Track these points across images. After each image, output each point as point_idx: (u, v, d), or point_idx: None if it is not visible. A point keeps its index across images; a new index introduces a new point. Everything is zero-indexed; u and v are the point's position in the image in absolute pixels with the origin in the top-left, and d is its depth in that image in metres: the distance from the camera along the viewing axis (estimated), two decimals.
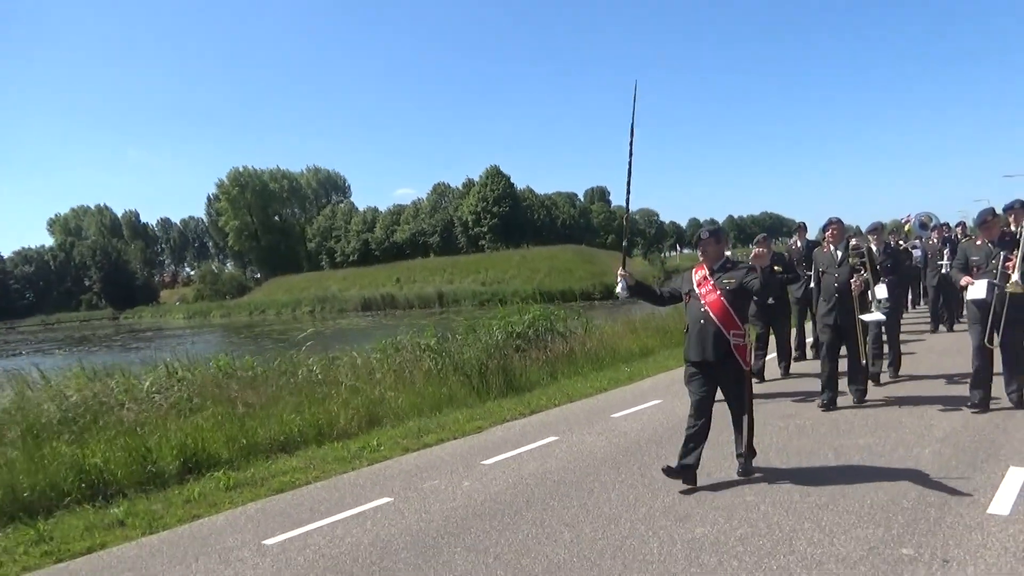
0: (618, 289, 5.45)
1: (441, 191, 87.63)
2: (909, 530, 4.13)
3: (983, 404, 6.71)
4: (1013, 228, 6.76)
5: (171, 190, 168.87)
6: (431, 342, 10.62)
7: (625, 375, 10.62)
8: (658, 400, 8.37)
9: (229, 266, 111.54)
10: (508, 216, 77.78)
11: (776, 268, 9.06)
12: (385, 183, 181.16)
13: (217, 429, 7.26)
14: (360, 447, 7.31)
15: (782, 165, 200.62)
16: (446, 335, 11.51)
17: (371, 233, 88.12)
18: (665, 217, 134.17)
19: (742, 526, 4.41)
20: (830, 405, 7.33)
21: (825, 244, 7.78)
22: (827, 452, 5.87)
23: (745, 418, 5.35)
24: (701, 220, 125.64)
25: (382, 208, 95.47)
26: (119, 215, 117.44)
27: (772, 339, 9.79)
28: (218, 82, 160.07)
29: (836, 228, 7.64)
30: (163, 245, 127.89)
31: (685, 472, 5.18)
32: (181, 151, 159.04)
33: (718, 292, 5.22)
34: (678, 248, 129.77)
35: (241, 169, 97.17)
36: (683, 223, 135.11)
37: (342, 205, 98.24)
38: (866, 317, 7.45)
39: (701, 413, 5.25)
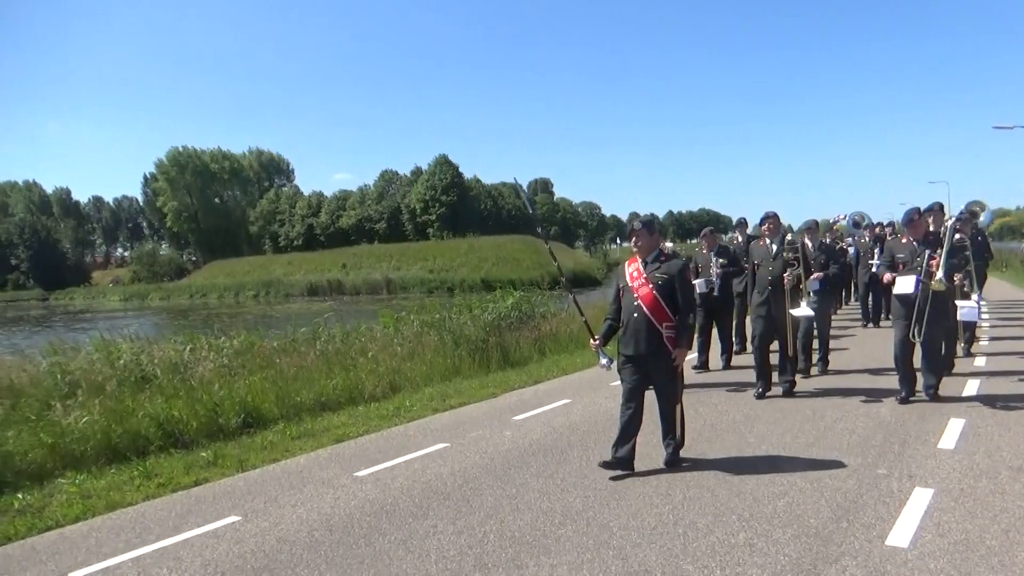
0: (603, 362, 5.63)
1: (389, 178, 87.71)
2: (881, 459, 5.39)
3: (910, 394, 7.17)
4: (932, 228, 7.37)
5: (101, 168, 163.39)
6: (433, 319, 11.59)
7: (612, 352, 11.75)
8: None
9: (165, 248, 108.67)
10: (456, 205, 78.56)
11: (721, 261, 9.66)
12: (323, 168, 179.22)
13: (269, 390, 8.09)
14: (395, 407, 8.26)
15: (720, 164, 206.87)
16: (442, 314, 12.46)
17: (316, 218, 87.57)
18: (607, 211, 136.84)
19: (751, 459, 5.59)
20: (764, 395, 7.66)
21: (762, 238, 8.01)
22: (805, 410, 7.12)
23: (678, 408, 5.44)
24: (641, 214, 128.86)
25: (327, 193, 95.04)
26: (49, 192, 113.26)
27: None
28: (149, 58, 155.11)
29: (772, 222, 7.84)
30: (95, 225, 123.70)
31: (621, 463, 5.32)
32: (111, 128, 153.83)
33: (650, 285, 5.24)
34: (618, 241, 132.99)
35: (181, 149, 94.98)
36: (624, 217, 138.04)
37: (286, 189, 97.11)
38: (796, 312, 7.68)
39: (632, 402, 5.35)
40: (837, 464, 5.32)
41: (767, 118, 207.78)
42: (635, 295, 5.30)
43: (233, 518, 4.94)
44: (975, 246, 8.89)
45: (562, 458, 5.92)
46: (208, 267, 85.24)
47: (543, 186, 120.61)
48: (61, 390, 7.25)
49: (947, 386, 7.59)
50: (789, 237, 7.98)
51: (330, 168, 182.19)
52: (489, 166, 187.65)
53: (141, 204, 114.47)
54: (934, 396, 7.11)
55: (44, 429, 6.38)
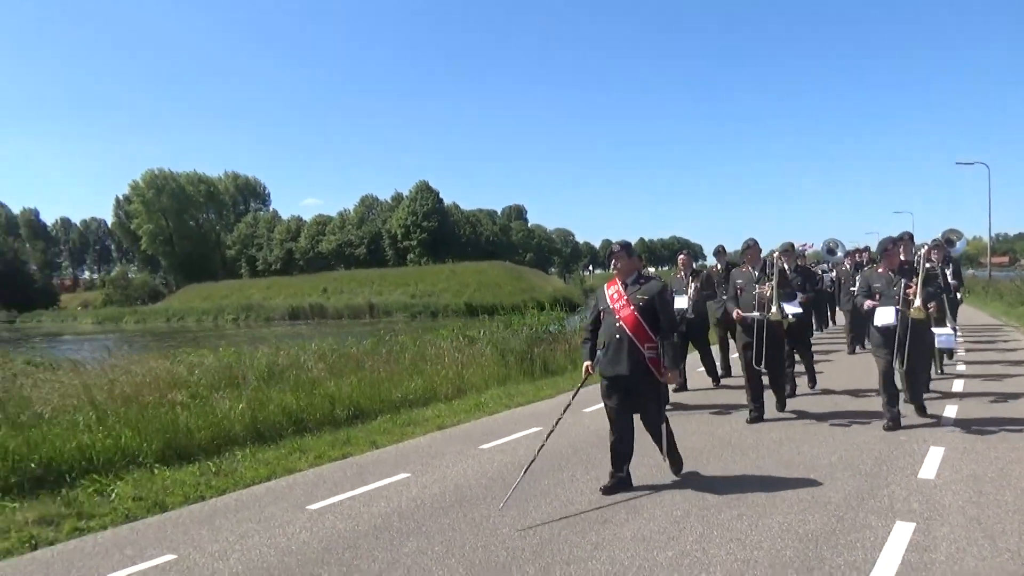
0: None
1: (369, 203, 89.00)
2: (899, 430, 6.93)
3: (896, 422, 7.13)
4: (903, 258, 7.70)
5: (65, 189, 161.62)
6: (479, 334, 13.03)
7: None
8: None
9: (134, 271, 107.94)
10: (436, 231, 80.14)
11: (696, 284, 9.79)
12: (291, 193, 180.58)
13: (367, 389, 9.40)
14: (473, 404, 9.61)
15: (691, 193, 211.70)
16: (481, 330, 13.92)
17: (295, 242, 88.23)
18: (580, 237, 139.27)
19: (801, 433, 7.11)
20: (758, 419, 7.76)
21: (744, 264, 8.32)
22: (823, 408, 8.56)
23: (663, 427, 5.57)
24: (614, 241, 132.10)
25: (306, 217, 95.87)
26: (16, 212, 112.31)
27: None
28: (118, 77, 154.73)
29: (754, 250, 8.16)
30: (62, 247, 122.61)
31: (621, 485, 5.53)
32: (74, 148, 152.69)
33: (632, 307, 5.34)
34: (591, 268, 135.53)
35: (156, 171, 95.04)
36: (597, 244, 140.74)
37: (264, 213, 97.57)
38: (747, 314, 7.89)
39: (621, 427, 5.51)
40: (867, 433, 6.88)
41: (736, 150, 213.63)
42: (617, 317, 5.39)
43: (404, 475, 6.27)
44: (946, 274, 9.67)
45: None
46: (184, 291, 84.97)
47: (517, 212, 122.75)
48: (216, 384, 8.50)
49: (935, 393, 8.95)
50: (776, 254, 8.39)
51: (299, 194, 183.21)
52: (464, 192, 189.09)
53: (109, 226, 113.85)
54: (921, 411, 7.49)
55: (208, 412, 7.63)
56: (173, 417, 7.29)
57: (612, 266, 5.59)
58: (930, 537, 4.30)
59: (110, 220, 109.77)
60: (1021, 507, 4.72)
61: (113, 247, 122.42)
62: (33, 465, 6.13)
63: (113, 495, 5.92)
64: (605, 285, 5.68)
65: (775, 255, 8.40)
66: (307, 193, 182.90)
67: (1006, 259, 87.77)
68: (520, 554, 4.34)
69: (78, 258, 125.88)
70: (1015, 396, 8.80)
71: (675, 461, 5.80)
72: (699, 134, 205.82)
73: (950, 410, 7.85)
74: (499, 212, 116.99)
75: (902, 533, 4.36)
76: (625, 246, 5.62)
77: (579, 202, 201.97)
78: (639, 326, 5.30)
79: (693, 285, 9.81)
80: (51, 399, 7.42)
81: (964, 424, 7.24)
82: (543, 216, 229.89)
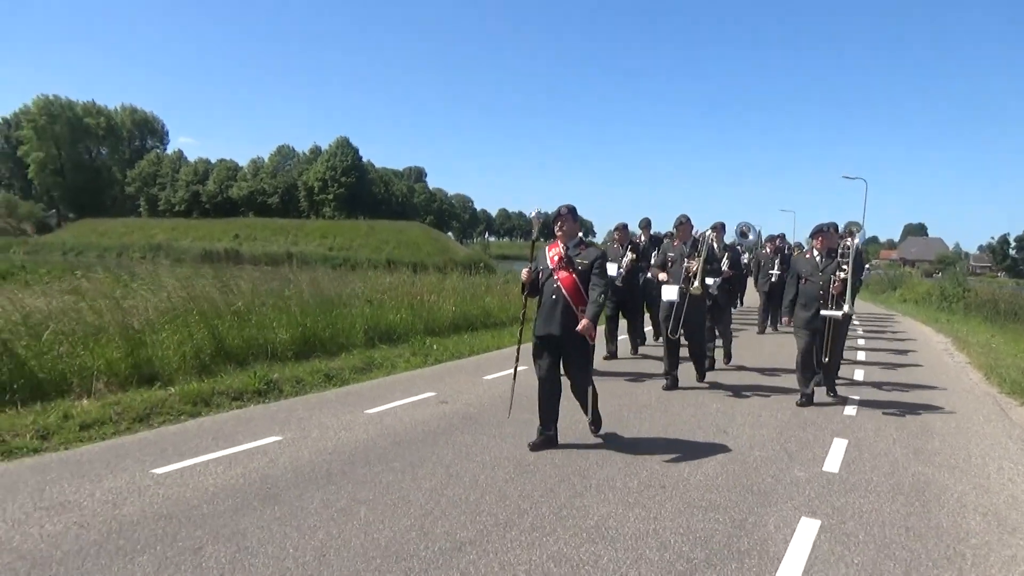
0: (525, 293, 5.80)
1: (285, 154, 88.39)
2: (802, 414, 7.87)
3: (809, 399, 7.82)
4: (816, 252, 8.03)
5: None
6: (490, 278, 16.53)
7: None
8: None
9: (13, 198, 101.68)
10: (354, 187, 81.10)
11: (631, 256, 10.38)
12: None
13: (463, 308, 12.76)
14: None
15: (587, 167, 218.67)
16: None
17: (202, 185, 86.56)
18: (478, 205, 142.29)
19: (730, 393, 8.42)
20: (672, 387, 8.40)
21: (676, 239, 8.71)
22: (749, 380, 9.32)
23: (589, 390, 5.79)
24: (510, 210, 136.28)
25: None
26: None
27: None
28: None
29: (686, 226, 8.53)
30: None
31: (547, 443, 5.75)
32: None
33: (571, 270, 5.51)
34: (486, 235, 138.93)
35: (52, 97, 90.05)
36: (493, 212, 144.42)
37: (170, 152, 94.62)
38: (665, 289, 8.46)
39: (548, 382, 5.66)
40: (777, 413, 7.50)
41: (645, 135, 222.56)
42: (556, 278, 5.57)
43: (522, 367, 9.52)
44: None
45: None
46: (77, 224, 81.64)
47: (417, 174, 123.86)
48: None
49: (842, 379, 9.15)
50: (710, 233, 8.81)
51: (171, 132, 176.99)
52: (368, 151, 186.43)
53: None
54: (832, 395, 8.13)
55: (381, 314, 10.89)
56: (349, 317, 10.50)
57: (558, 228, 5.69)
58: (835, 533, 4.33)
59: None
60: (912, 498, 4.97)
61: None
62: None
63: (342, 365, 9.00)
64: (547, 246, 5.83)
65: (707, 233, 8.90)
66: (179, 131, 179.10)
67: None
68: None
69: None
70: (911, 387, 9.46)
71: (596, 421, 6.14)
72: (600, 115, 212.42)
73: (853, 398, 8.29)
74: (400, 172, 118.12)
75: (808, 529, 4.37)
76: (572, 210, 5.73)
77: (478, 170, 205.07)
78: (576, 289, 5.53)
79: (629, 256, 10.36)
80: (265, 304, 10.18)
81: (866, 414, 7.59)
82: (442, 180, 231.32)
